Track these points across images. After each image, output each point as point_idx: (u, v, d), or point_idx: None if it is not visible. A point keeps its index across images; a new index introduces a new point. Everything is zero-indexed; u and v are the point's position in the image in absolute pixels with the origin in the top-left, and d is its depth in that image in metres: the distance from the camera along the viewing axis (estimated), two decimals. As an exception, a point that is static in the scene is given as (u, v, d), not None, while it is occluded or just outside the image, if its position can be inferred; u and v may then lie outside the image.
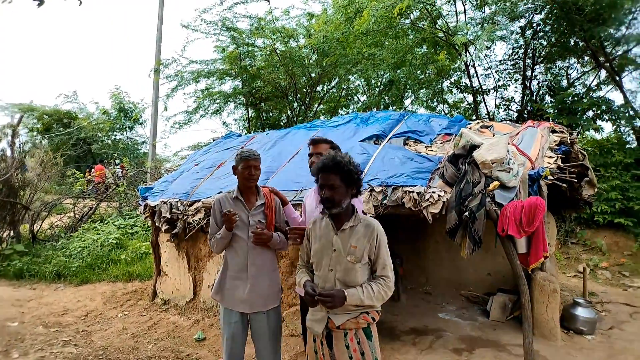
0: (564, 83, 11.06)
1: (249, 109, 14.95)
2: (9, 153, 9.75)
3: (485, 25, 9.06)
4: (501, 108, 12.22)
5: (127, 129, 23.85)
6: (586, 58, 10.64)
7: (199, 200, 5.65)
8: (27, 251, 8.90)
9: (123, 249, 8.93)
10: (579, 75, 11.23)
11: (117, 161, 16.21)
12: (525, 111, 11.24)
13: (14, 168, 9.37)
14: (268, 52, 12.73)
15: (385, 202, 4.46)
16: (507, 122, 7.44)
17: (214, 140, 8.46)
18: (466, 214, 4.05)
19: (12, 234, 9.50)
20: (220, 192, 5.55)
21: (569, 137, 5.17)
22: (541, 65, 11.35)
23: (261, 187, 3.24)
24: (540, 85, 11.52)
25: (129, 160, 16.81)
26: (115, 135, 24.18)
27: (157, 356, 4.63)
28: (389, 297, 2.37)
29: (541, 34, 10.81)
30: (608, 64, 9.64)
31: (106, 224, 10.33)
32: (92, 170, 16.83)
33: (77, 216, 11.17)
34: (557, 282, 5.12)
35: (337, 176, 2.39)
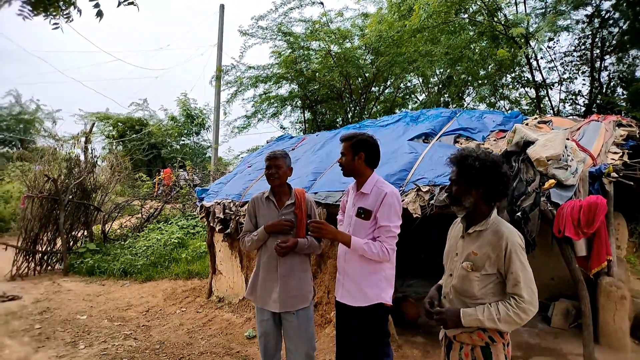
0: (639, 74, 10.19)
1: (305, 111, 15.11)
2: (82, 158, 10.50)
3: (547, 15, 8.55)
4: (567, 102, 11.47)
5: (194, 134, 25.00)
6: (664, 45, 9.75)
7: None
8: (99, 249, 9.55)
9: (184, 248, 9.34)
10: (656, 64, 10.32)
11: (181, 164, 16.95)
12: (594, 105, 10.48)
13: (87, 172, 10.08)
14: (323, 55, 12.81)
15: (432, 202, 4.32)
16: (572, 117, 6.98)
17: (267, 142, 8.63)
18: (519, 214, 3.84)
19: (85, 233, 10.22)
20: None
21: (638, 131, 4.75)
22: (612, 55, 10.52)
23: (295, 189, 3.29)
24: (610, 76, 10.69)
25: (191, 164, 17.54)
26: (183, 140, 25.40)
27: (209, 352, 4.78)
28: (523, 321, 1.99)
29: (611, 21, 10.02)
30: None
31: (170, 224, 10.85)
32: (161, 173, 17.78)
33: (143, 217, 11.82)
34: (627, 288, 4.72)
35: (457, 171, 2.20)
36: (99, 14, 2.85)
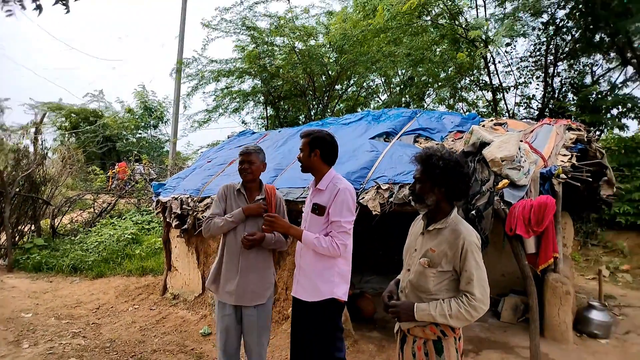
0: (588, 80, 10.71)
1: (268, 107, 14.98)
2: (31, 149, 10.01)
3: (505, 20, 8.84)
4: (522, 106, 11.91)
5: (152, 127, 24.27)
6: (612, 54, 10.27)
7: (209, 197, 5.67)
8: (47, 245, 9.15)
9: (138, 244, 9.06)
10: (603, 72, 10.84)
11: (137, 158, 16.44)
12: (547, 109, 10.93)
13: (36, 164, 9.61)
14: (287, 51, 12.74)
15: (392, 200, 4.37)
16: (526, 120, 7.25)
17: (229, 137, 8.49)
18: (473, 212, 3.95)
19: (33, 228, 9.75)
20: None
21: (585, 135, 4.98)
22: (564, 62, 11.01)
23: (266, 185, 3.28)
24: (562, 82, 11.18)
25: (148, 158, 17.06)
26: (140, 134, 24.64)
27: (163, 350, 4.66)
28: (474, 318, 2.05)
29: (564, 29, 10.49)
30: (635, 60, 9.29)
31: (124, 219, 10.51)
32: (116, 167, 17.18)
33: (96, 212, 11.39)
34: (571, 284, 4.96)
35: (422, 169, 2.23)
36: (38, 8, 2.73)
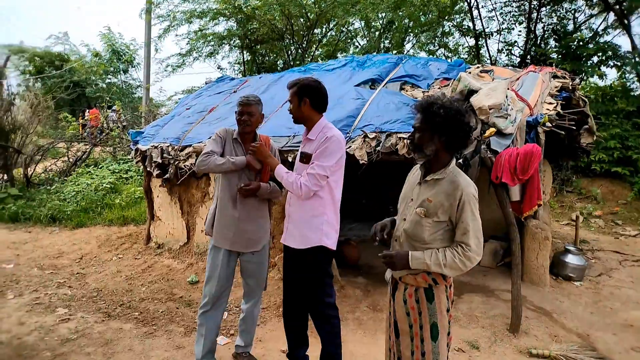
0: (570, 27, 10.64)
1: (245, 52, 14.50)
2: (-4, 95, 9.51)
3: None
4: (503, 53, 11.84)
5: (121, 72, 23.26)
6: (595, 0, 10.16)
7: (190, 146, 5.54)
8: (22, 195, 8.91)
9: (117, 193, 8.92)
10: (586, 19, 10.79)
11: (110, 105, 15.85)
12: (529, 56, 10.88)
13: (4, 110, 9.17)
14: (263, -9, 12.17)
15: (378, 148, 4.35)
16: (510, 67, 7.20)
17: (206, 84, 8.22)
18: (460, 160, 3.96)
19: (5, 177, 9.45)
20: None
21: (570, 83, 4.99)
22: (547, 7, 10.85)
23: (260, 135, 3.23)
24: (545, 29, 11.10)
25: (121, 104, 16.48)
26: (110, 79, 23.65)
27: (151, 298, 4.69)
28: (467, 267, 2.08)
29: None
30: (617, 6, 9.23)
31: (100, 168, 10.26)
32: (87, 113, 16.56)
33: (70, 160, 11.08)
34: (550, 230, 5.14)
35: (422, 118, 2.15)
36: None
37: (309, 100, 2.82)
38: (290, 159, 4.52)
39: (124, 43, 22.33)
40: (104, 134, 12.76)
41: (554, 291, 4.73)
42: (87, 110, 17.34)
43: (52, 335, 3.79)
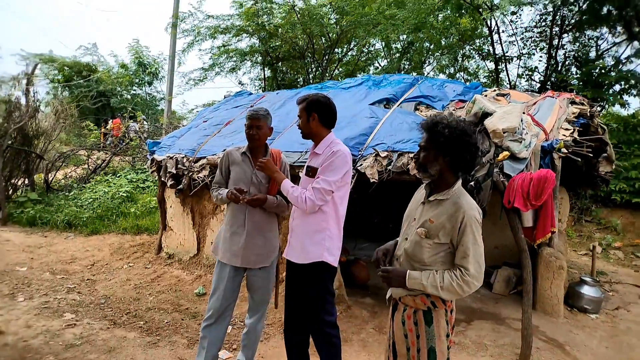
0: (592, 54, 10.53)
1: (266, 68, 14.68)
2: (23, 101, 9.79)
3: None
4: (523, 78, 11.75)
5: (146, 84, 23.77)
6: (619, 28, 10.04)
7: (205, 157, 5.60)
8: (41, 200, 9.10)
9: (133, 202, 9.04)
10: (609, 47, 10.64)
11: (131, 115, 16.17)
12: (549, 82, 10.78)
13: (29, 116, 9.43)
14: (287, 10, 12.37)
15: (390, 167, 4.33)
16: (528, 92, 7.14)
17: (225, 97, 8.33)
18: (472, 183, 3.92)
19: (26, 182, 9.67)
20: (225, 150, 5.49)
21: (588, 110, 4.91)
22: (569, 34, 10.78)
23: (271, 149, 3.25)
24: (566, 55, 11.00)
25: (143, 115, 16.81)
26: (134, 90, 24.16)
27: (157, 308, 4.70)
28: (465, 293, 2.02)
29: (572, 0, 10.21)
30: (642, 35, 9.13)
31: (118, 177, 10.43)
32: (110, 122, 16.90)
33: (90, 168, 11.29)
34: (565, 259, 5.01)
35: (427, 137, 2.13)
36: None
37: (318, 116, 2.84)
38: (301, 174, 4.52)
39: (151, 56, 22.87)
40: (124, 144, 13.00)
41: (568, 322, 4.58)
42: (111, 120, 17.71)
43: (57, 339, 3.81)
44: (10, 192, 9.21)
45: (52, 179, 10.44)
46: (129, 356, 3.61)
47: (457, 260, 2.06)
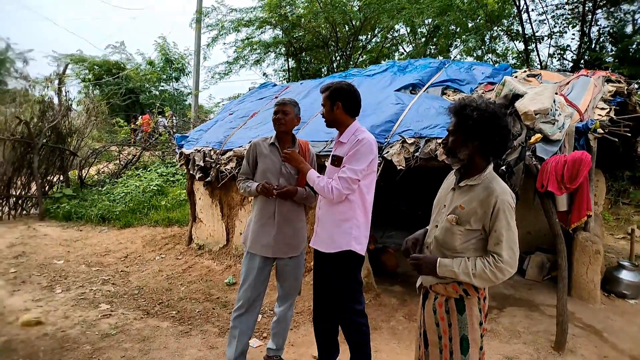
0: (629, 30, 10.04)
1: (289, 59, 14.68)
2: (56, 101, 10.08)
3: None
4: (555, 58, 11.35)
5: (173, 79, 24.14)
6: (658, 0, 9.56)
7: (231, 150, 5.64)
8: (75, 195, 9.38)
9: (164, 195, 9.22)
10: (646, 21, 10.15)
11: (160, 111, 16.46)
12: (582, 61, 10.36)
13: (62, 115, 9.71)
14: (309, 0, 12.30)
15: (417, 154, 4.25)
16: (561, 72, 6.88)
17: (250, 90, 8.37)
18: (503, 167, 3.81)
19: (62, 178, 9.98)
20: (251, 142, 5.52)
21: (626, 88, 4.69)
22: (603, 9, 10.30)
23: (299, 139, 3.24)
24: (600, 32, 10.54)
25: (171, 110, 17.09)
26: (162, 86, 24.57)
27: (189, 297, 4.78)
28: (499, 280, 1.94)
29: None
30: (682, 8, 8.65)
31: (149, 171, 10.66)
32: (140, 118, 17.26)
33: (121, 163, 11.57)
34: (601, 243, 4.83)
35: (455, 121, 2.05)
36: None
37: (342, 104, 2.80)
38: (327, 164, 4.50)
39: (178, 52, 23.19)
40: (153, 139, 13.25)
41: (606, 309, 4.43)
42: (140, 116, 18.10)
43: (93, 329, 3.92)
44: (47, 188, 9.54)
45: (86, 174, 10.76)
46: (162, 345, 3.69)
47: (489, 246, 1.99)
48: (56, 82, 10.49)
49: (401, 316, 4.26)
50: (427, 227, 2.34)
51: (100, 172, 11.36)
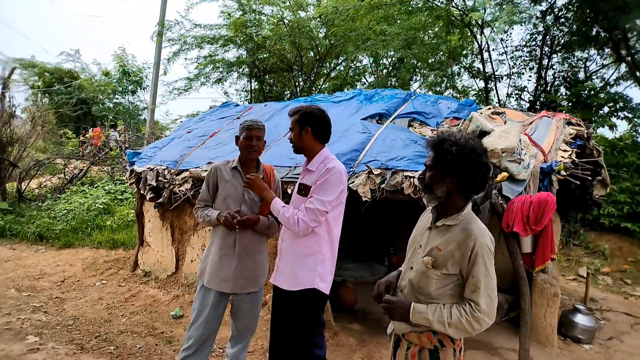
0: (581, 75, 10.59)
1: (252, 80, 14.50)
2: (-2, 106, 9.39)
3: (504, 5, 8.55)
4: (513, 97, 11.76)
5: (130, 92, 23.32)
6: (607, 50, 10.13)
7: (187, 170, 5.33)
8: (12, 210, 8.66)
9: (110, 214, 8.65)
10: (597, 68, 10.75)
11: (112, 124, 15.76)
12: (538, 102, 10.79)
13: (3, 122, 9.03)
14: (275, 22, 12.25)
15: (383, 186, 4.12)
16: (522, 111, 7.05)
17: (210, 108, 8.08)
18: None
19: (-3, 190, 9.23)
20: (209, 163, 5.22)
21: (585, 131, 4.80)
22: (559, 54, 10.84)
23: (264, 164, 3.04)
24: (555, 75, 11.05)
25: (125, 125, 16.42)
26: (117, 99, 23.68)
27: (130, 331, 4.36)
28: (475, 330, 1.82)
29: (562, 20, 10.27)
30: (630, 58, 9.16)
31: (95, 187, 10.01)
32: (90, 131, 16.45)
33: (66, 177, 10.85)
34: (558, 285, 4.82)
35: (433, 156, 1.94)
36: None
37: (311, 130, 2.63)
38: (290, 191, 4.29)
39: (136, 64, 22.47)
40: (103, 153, 12.59)
41: (562, 354, 4.37)
42: (91, 129, 17.25)
43: (15, 367, 3.46)
44: (-21, 200, 8.76)
45: (25, 188, 9.97)
46: (95, 387, 3.28)
47: (466, 293, 1.86)
48: (0, 86, 9.80)
49: (359, 357, 4.02)
50: (401, 269, 2.17)
51: (42, 185, 10.58)
